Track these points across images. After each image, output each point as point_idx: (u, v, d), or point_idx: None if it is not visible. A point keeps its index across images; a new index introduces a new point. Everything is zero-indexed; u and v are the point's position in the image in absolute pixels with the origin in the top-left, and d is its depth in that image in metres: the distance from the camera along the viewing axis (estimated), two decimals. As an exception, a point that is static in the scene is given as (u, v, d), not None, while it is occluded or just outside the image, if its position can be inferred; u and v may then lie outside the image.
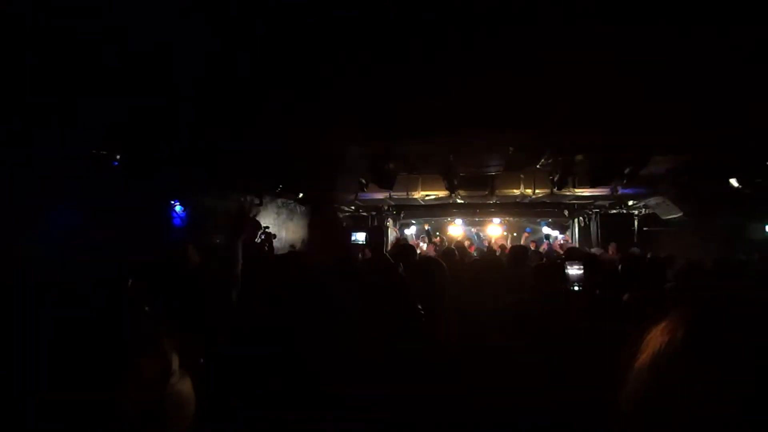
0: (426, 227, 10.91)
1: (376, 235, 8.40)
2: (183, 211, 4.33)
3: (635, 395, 0.47)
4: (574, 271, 2.30)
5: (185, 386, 0.67)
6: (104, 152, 3.40)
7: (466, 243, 10.14)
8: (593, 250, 7.35)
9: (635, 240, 8.25)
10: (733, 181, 4.86)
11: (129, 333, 0.65)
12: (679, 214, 6.94)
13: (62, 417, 0.54)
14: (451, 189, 6.10)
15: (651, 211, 7.69)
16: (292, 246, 6.50)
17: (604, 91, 3.06)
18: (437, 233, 11.59)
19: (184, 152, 3.92)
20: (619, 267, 3.37)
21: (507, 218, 10.48)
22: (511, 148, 4.25)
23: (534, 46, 2.66)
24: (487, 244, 9.49)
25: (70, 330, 0.62)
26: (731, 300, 0.47)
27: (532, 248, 8.93)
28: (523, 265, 3.55)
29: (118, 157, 3.46)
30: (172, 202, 4.32)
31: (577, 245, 9.21)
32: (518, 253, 4.06)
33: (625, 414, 0.47)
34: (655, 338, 0.48)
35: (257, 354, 1.05)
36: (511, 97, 3.27)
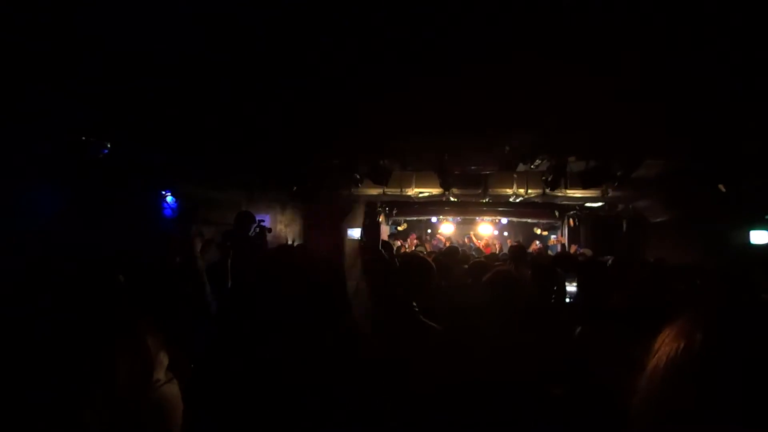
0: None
1: (371, 230, 8.41)
2: (174, 202, 4.25)
3: (651, 399, 0.46)
4: (571, 287, 2.36)
5: (171, 390, 0.59)
6: (94, 139, 3.30)
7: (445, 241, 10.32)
8: (582, 250, 7.45)
9: (622, 242, 8.36)
10: (721, 187, 4.94)
11: (105, 325, 0.57)
12: (667, 218, 7.05)
13: (23, 418, 0.48)
14: (446, 186, 6.10)
15: (639, 214, 7.80)
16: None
17: (600, 95, 3.08)
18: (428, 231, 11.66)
19: (178, 141, 3.84)
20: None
21: (497, 218, 10.56)
22: (507, 147, 4.27)
23: (534, 48, 2.66)
24: (475, 246, 9.59)
25: (40, 323, 0.56)
26: (748, 302, 0.46)
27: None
28: (523, 262, 3.84)
29: (108, 144, 3.37)
30: (164, 192, 4.23)
31: (567, 245, 9.33)
32: (517, 250, 4.42)
33: (640, 419, 0.46)
34: (668, 342, 0.47)
35: (252, 355, 1.02)
36: (508, 98, 3.27)
